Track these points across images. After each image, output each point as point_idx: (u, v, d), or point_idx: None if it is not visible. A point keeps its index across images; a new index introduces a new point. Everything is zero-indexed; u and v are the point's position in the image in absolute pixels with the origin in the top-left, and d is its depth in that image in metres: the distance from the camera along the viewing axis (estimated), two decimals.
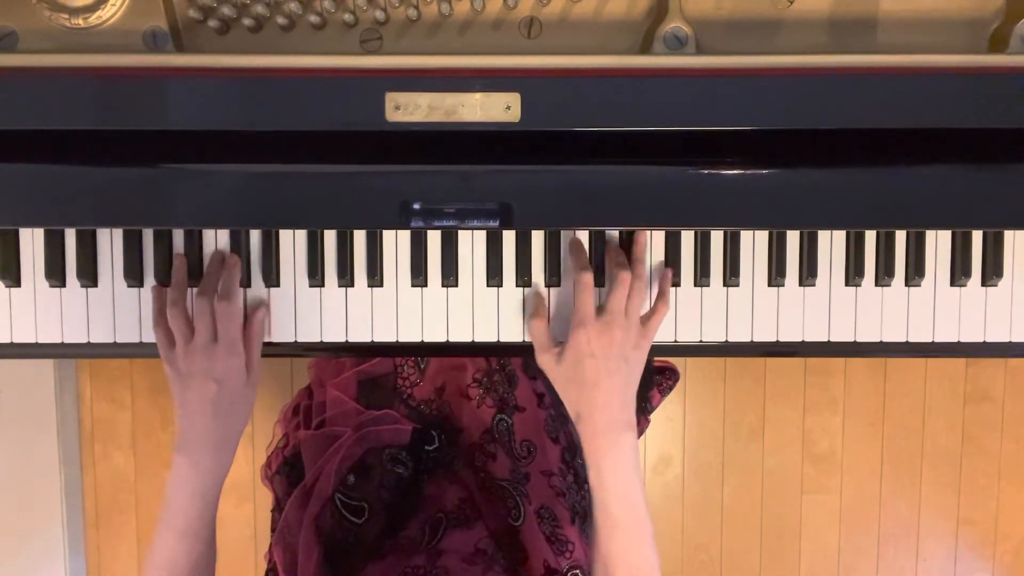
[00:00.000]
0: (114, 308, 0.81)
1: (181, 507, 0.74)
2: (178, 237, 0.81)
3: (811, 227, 0.80)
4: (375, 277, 0.81)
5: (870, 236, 0.82)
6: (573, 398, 0.76)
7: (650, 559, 0.76)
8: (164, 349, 0.77)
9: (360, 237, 0.81)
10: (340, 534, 0.87)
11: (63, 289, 0.81)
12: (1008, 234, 0.82)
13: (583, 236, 0.82)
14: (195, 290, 0.78)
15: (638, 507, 0.75)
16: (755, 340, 0.82)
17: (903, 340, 0.83)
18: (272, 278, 0.81)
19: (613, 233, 0.81)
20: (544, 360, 0.78)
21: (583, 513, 0.94)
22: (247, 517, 1.89)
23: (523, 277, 0.81)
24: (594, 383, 0.74)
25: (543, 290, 0.81)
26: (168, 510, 0.74)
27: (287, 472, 0.98)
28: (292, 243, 0.81)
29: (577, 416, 0.76)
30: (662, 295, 0.79)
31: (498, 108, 0.68)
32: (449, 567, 0.78)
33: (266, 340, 0.81)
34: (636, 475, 0.76)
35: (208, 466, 0.75)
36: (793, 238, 0.82)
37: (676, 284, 0.82)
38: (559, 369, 0.76)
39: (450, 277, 0.81)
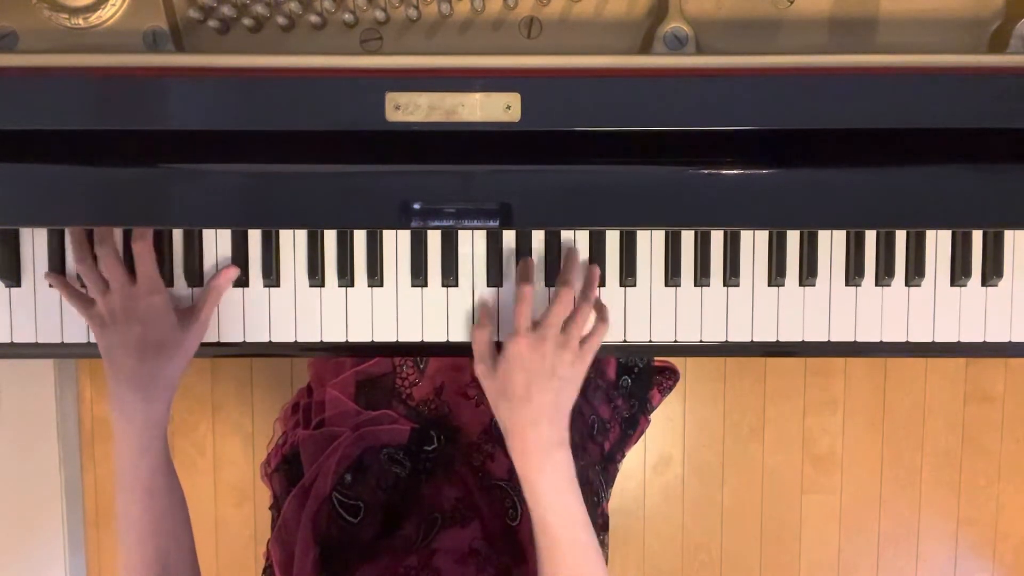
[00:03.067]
0: None
1: (127, 467, 0.73)
2: (178, 237, 0.81)
3: (811, 227, 0.80)
4: (375, 277, 0.81)
5: (870, 236, 0.82)
6: (504, 413, 0.74)
7: (600, 570, 0.74)
8: (85, 311, 0.76)
9: (360, 237, 0.81)
10: (336, 533, 0.87)
11: None
12: (1008, 234, 0.82)
13: (582, 236, 0.82)
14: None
15: (579, 525, 0.73)
16: (755, 340, 0.82)
17: (903, 340, 0.83)
18: (272, 278, 0.81)
19: (577, 247, 0.81)
20: (480, 371, 0.76)
21: None
22: (247, 517, 1.89)
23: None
24: (523, 397, 0.72)
25: (488, 297, 0.81)
26: (118, 471, 0.73)
27: (286, 470, 0.98)
28: (292, 243, 0.81)
29: (506, 432, 0.74)
30: (603, 319, 0.78)
31: (498, 108, 0.68)
32: (441, 567, 0.78)
33: (266, 340, 0.82)
34: (573, 493, 0.73)
35: (142, 418, 0.73)
36: (793, 238, 0.82)
37: (676, 284, 0.82)
38: (492, 381, 0.75)
39: (450, 277, 0.81)
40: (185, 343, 0.76)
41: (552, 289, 0.81)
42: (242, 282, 0.81)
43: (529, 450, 0.73)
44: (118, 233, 0.79)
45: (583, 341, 0.76)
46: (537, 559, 0.75)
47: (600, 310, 0.79)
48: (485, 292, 0.82)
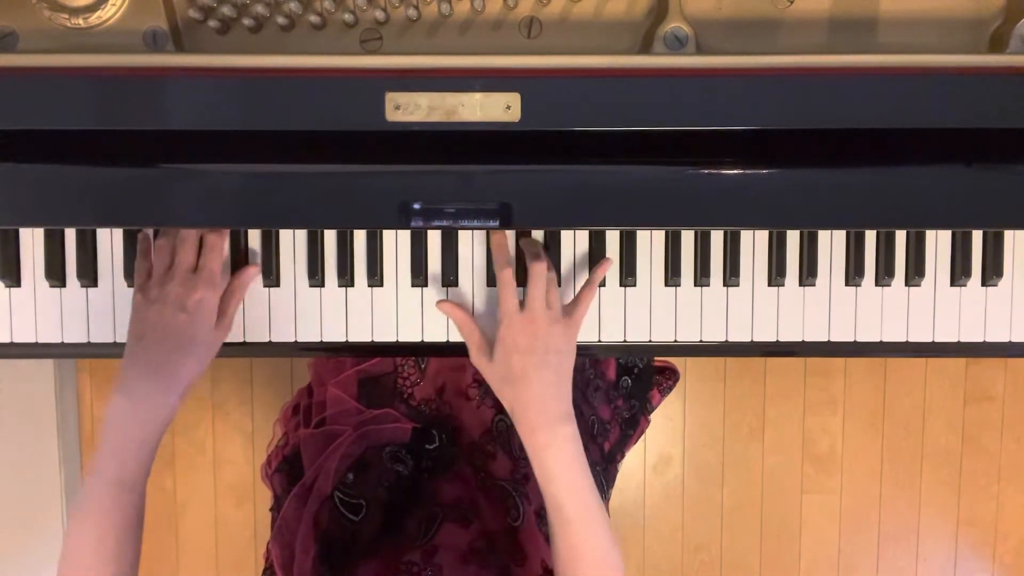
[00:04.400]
0: (114, 308, 0.81)
1: (117, 455, 0.68)
2: None
3: (811, 227, 0.80)
4: (375, 277, 0.81)
5: (870, 236, 0.82)
6: (508, 396, 0.75)
7: (610, 545, 0.75)
8: (141, 280, 0.75)
9: (360, 237, 0.81)
10: (337, 532, 0.87)
11: (63, 289, 0.81)
12: (1008, 234, 0.82)
13: (582, 236, 0.82)
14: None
15: (589, 498, 0.74)
16: (755, 340, 0.82)
17: (903, 340, 0.83)
18: (272, 278, 0.81)
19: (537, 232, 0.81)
20: (478, 361, 0.78)
21: None
22: (247, 517, 1.89)
23: (524, 277, 0.81)
24: (523, 377, 0.73)
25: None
26: (102, 457, 0.68)
27: (287, 470, 0.98)
28: (292, 243, 0.81)
29: (513, 414, 0.75)
30: (590, 283, 0.79)
31: (498, 108, 0.68)
32: (443, 564, 0.78)
33: (266, 340, 0.82)
34: (581, 466, 0.75)
35: (152, 406, 0.70)
36: (793, 238, 0.82)
37: (676, 284, 0.82)
38: (492, 368, 0.76)
39: (450, 277, 0.81)
40: (214, 344, 0.76)
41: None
42: None
43: (536, 427, 0.73)
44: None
45: (571, 310, 0.77)
46: (550, 535, 0.76)
47: (592, 278, 0.79)
48: (485, 292, 0.82)
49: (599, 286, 0.81)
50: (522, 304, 0.75)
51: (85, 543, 0.68)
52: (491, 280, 0.81)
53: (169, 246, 0.75)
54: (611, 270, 0.82)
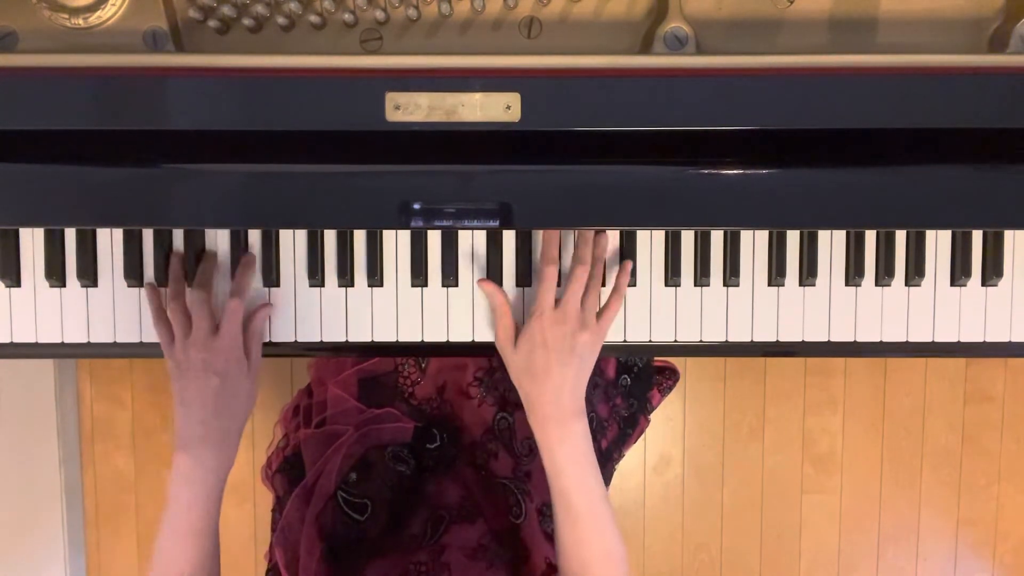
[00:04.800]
0: (114, 308, 0.81)
1: (185, 507, 0.73)
2: (178, 237, 0.81)
3: (811, 227, 0.80)
4: (375, 277, 0.81)
5: (870, 236, 0.82)
6: (526, 387, 0.76)
7: (616, 541, 0.76)
8: (165, 345, 0.77)
9: (360, 237, 0.81)
10: (342, 531, 0.87)
11: (63, 289, 0.81)
12: (1008, 234, 0.82)
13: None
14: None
15: (597, 493, 0.76)
16: (755, 340, 0.82)
17: (903, 340, 0.83)
18: (272, 278, 0.81)
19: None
20: (503, 348, 0.79)
21: None
22: (247, 517, 1.89)
23: (523, 277, 0.81)
24: (545, 372, 0.74)
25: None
26: (171, 511, 0.74)
27: (288, 471, 0.98)
28: (292, 243, 0.81)
29: (528, 405, 0.76)
30: (616, 290, 0.79)
31: (498, 108, 0.68)
32: (451, 563, 0.78)
33: (266, 340, 0.81)
34: (590, 462, 0.76)
35: (211, 463, 0.74)
36: (793, 238, 0.82)
37: (676, 284, 0.82)
38: (515, 358, 0.77)
39: (450, 277, 0.81)
40: (252, 391, 0.78)
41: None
42: None
43: (549, 421, 0.75)
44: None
45: (599, 315, 0.78)
46: (556, 528, 0.77)
47: (619, 284, 0.80)
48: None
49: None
50: (557, 302, 0.76)
51: None
52: (491, 280, 0.81)
53: (182, 309, 0.76)
54: (612, 270, 0.81)
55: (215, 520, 0.76)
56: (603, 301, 0.80)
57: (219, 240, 0.81)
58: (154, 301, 0.79)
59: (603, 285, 0.81)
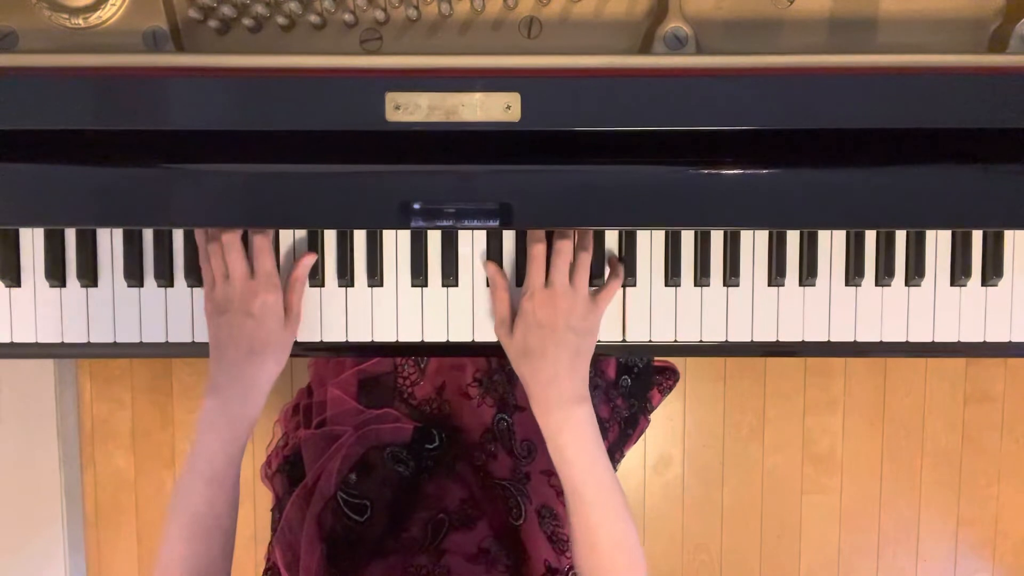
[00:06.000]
0: (114, 308, 0.81)
1: (208, 452, 0.73)
2: (178, 237, 0.81)
3: (811, 227, 0.80)
4: (375, 277, 0.81)
5: (870, 236, 0.82)
6: (524, 371, 0.76)
7: (628, 527, 0.75)
8: (206, 287, 0.77)
9: (360, 237, 0.81)
10: (342, 532, 0.87)
11: (63, 289, 0.81)
12: (1008, 234, 0.82)
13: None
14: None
15: (605, 479, 0.75)
16: (755, 340, 0.82)
17: (903, 340, 0.83)
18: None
19: None
20: (500, 334, 0.79)
21: None
22: (247, 517, 1.89)
23: (524, 277, 0.81)
24: (541, 354, 0.74)
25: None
26: (195, 455, 0.73)
27: (287, 471, 0.98)
28: (292, 243, 0.81)
29: (529, 393, 0.76)
30: (614, 273, 0.79)
31: (498, 108, 0.68)
32: (452, 566, 0.78)
33: None
34: (597, 447, 0.75)
35: (237, 410, 0.74)
36: (793, 238, 0.82)
37: (676, 284, 0.82)
38: (511, 342, 0.77)
39: (450, 277, 0.81)
40: (286, 342, 0.77)
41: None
42: None
43: (551, 407, 0.74)
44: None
45: (596, 293, 0.77)
46: (568, 519, 0.76)
47: (614, 266, 0.80)
48: (484, 292, 0.82)
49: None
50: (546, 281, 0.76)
51: (179, 537, 0.72)
52: (494, 262, 0.81)
53: (218, 250, 0.76)
54: None
55: (236, 472, 0.75)
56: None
57: None
58: (202, 243, 0.78)
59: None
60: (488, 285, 0.82)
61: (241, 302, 0.74)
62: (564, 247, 0.75)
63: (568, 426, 0.74)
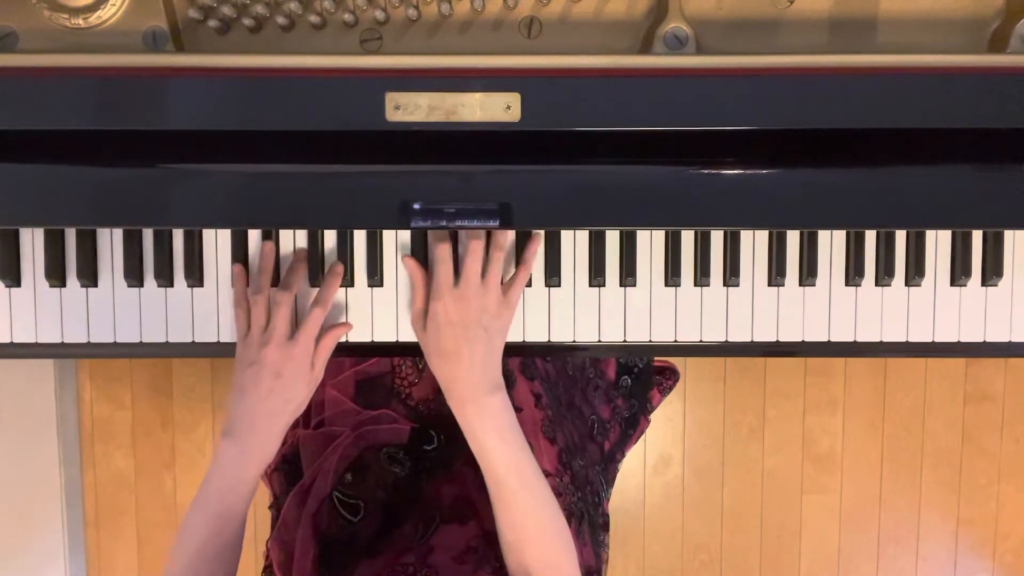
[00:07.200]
0: (114, 308, 0.81)
1: (220, 490, 0.75)
2: (178, 237, 0.81)
3: (811, 227, 0.80)
4: (375, 277, 0.81)
5: (870, 236, 0.82)
6: (438, 368, 0.76)
7: (556, 512, 0.76)
8: (240, 331, 0.78)
9: (360, 237, 0.81)
10: (336, 532, 0.87)
11: (63, 289, 0.81)
12: (1008, 234, 0.82)
13: (582, 236, 0.82)
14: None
15: (526, 468, 0.76)
16: (755, 340, 0.82)
17: (903, 340, 0.83)
18: (272, 277, 0.81)
19: None
20: (415, 328, 0.79)
21: (580, 514, 0.94)
22: (247, 516, 1.89)
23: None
24: (455, 352, 0.74)
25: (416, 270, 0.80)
26: (206, 491, 0.75)
27: (285, 470, 0.98)
28: (292, 243, 0.81)
29: (444, 387, 0.76)
30: (523, 262, 0.79)
31: (498, 108, 0.68)
32: (438, 565, 0.78)
33: None
34: (514, 434, 0.76)
35: (255, 456, 0.75)
36: (793, 238, 0.82)
37: (676, 284, 0.82)
38: (425, 339, 0.77)
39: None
40: (307, 399, 0.79)
41: (553, 289, 0.81)
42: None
43: (465, 399, 0.75)
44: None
45: (506, 289, 0.78)
46: (493, 512, 0.77)
47: (525, 260, 0.79)
48: None
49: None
50: (456, 278, 0.76)
51: (184, 566, 0.74)
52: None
53: (265, 303, 0.76)
54: (611, 270, 0.81)
55: (245, 509, 0.77)
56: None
57: (219, 240, 0.81)
58: (239, 285, 0.79)
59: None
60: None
61: (274, 363, 0.75)
62: (476, 247, 0.76)
63: (483, 416, 0.75)
